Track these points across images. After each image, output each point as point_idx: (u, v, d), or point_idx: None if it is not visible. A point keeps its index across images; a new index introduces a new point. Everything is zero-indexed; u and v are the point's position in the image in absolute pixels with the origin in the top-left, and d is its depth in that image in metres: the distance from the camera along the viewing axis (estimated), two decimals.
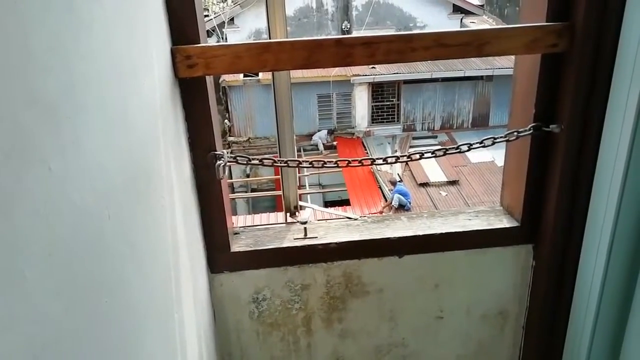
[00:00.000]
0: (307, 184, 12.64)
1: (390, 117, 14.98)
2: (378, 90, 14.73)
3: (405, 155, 1.52)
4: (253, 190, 14.41)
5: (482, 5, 16.86)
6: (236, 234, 1.63)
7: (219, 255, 1.53)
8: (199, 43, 1.25)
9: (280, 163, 1.52)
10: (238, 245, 1.57)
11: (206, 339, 1.47)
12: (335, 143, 14.51)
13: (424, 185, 12.00)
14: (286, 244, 1.57)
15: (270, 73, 1.54)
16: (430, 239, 1.58)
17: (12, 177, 0.55)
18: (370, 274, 1.60)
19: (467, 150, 1.47)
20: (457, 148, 1.49)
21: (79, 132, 0.72)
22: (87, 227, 0.73)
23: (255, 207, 14.12)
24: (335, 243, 1.56)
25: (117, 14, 0.89)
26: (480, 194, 11.52)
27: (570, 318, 1.52)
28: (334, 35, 14.63)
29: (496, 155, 12.21)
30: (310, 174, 12.51)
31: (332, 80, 14.14)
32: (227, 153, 1.43)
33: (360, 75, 14.11)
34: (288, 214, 1.83)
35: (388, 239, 1.57)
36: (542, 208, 1.52)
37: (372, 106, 14.83)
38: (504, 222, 1.62)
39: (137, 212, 0.94)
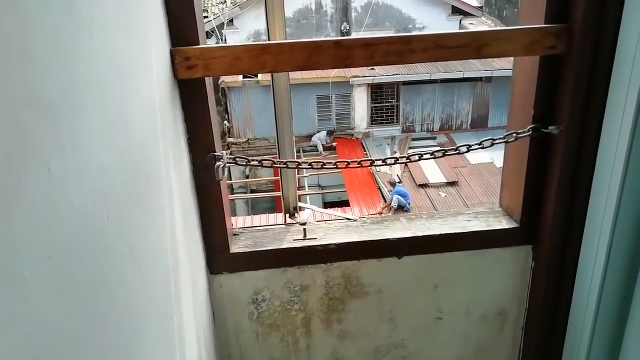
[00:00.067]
0: (306, 185, 12.64)
1: (389, 118, 14.98)
2: (377, 91, 14.73)
3: (405, 157, 1.53)
4: (252, 192, 14.40)
5: (482, 7, 16.89)
6: (236, 235, 1.63)
7: (219, 256, 1.53)
8: (199, 45, 1.26)
9: (280, 164, 1.52)
10: (238, 247, 1.57)
11: (206, 340, 1.47)
12: (334, 144, 14.52)
13: (424, 186, 12.00)
14: (286, 245, 1.57)
15: (270, 74, 1.55)
16: (429, 240, 1.58)
17: (11, 178, 0.55)
18: (370, 275, 1.61)
19: (467, 152, 1.48)
20: (457, 149, 1.49)
21: (78, 133, 0.72)
22: (87, 228, 0.73)
23: (254, 208, 14.12)
24: (335, 244, 1.56)
25: (116, 15, 0.89)
26: (480, 195, 11.53)
27: (570, 319, 1.52)
28: (333, 37, 14.65)
29: (495, 157, 12.21)
30: (310, 175, 12.50)
31: (331, 82, 14.14)
32: (227, 154, 1.43)
33: (360, 77, 14.12)
34: (287, 215, 1.83)
35: (387, 240, 1.57)
36: (541, 209, 1.53)
37: (372, 107, 14.83)
38: (504, 224, 1.62)
39: (136, 214, 0.94)
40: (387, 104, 14.86)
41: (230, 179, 13.44)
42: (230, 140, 14.64)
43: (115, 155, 0.86)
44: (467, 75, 14.29)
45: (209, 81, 1.35)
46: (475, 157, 12.50)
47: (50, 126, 0.64)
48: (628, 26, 1.19)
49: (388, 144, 14.58)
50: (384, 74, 14.11)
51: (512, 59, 1.51)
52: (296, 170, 1.64)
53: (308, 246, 1.56)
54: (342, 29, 15.56)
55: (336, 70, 12.55)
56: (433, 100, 14.90)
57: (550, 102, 1.39)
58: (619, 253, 1.31)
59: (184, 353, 1.22)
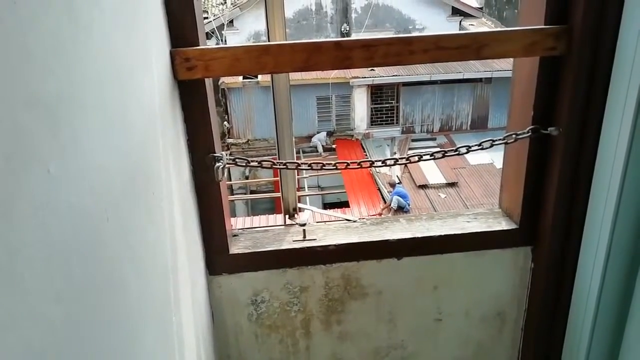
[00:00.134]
0: (306, 186, 12.63)
1: (389, 119, 14.98)
2: (377, 92, 14.73)
3: (404, 158, 1.53)
4: (252, 192, 14.39)
5: (481, 8, 16.90)
6: (235, 235, 1.63)
7: (218, 257, 1.53)
8: (198, 45, 1.26)
9: (279, 165, 1.52)
10: (237, 247, 1.57)
11: (204, 341, 1.47)
12: (334, 145, 14.52)
13: (423, 187, 12.00)
14: (285, 245, 1.57)
15: (270, 75, 1.55)
16: (429, 241, 1.58)
17: (11, 179, 0.55)
18: (369, 276, 1.61)
19: (466, 153, 1.48)
20: (456, 150, 1.49)
21: (78, 133, 0.72)
22: (86, 229, 0.73)
23: (254, 209, 14.11)
24: (334, 245, 1.56)
25: (116, 16, 0.89)
26: (479, 196, 11.53)
27: (569, 320, 1.52)
28: (333, 37, 14.65)
29: (495, 158, 12.22)
30: (309, 175, 12.50)
31: (331, 83, 14.14)
32: (226, 155, 1.43)
33: (360, 78, 14.12)
34: (287, 216, 1.83)
35: (387, 241, 1.57)
36: (540, 210, 1.53)
37: (371, 108, 14.83)
38: (503, 224, 1.62)
39: (135, 214, 0.94)
40: (387, 105, 14.86)
41: (230, 180, 13.43)
42: (230, 140, 14.63)
43: (114, 155, 0.86)
44: (466, 76, 14.29)
45: (208, 82, 1.35)
46: (475, 158, 12.51)
47: (49, 127, 0.64)
48: (627, 27, 1.19)
49: (388, 145, 14.58)
50: (384, 74, 14.11)
51: (511, 59, 1.51)
52: (295, 170, 1.64)
53: (307, 247, 1.56)
54: (342, 29, 15.56)
55: (336, 70, 12.54)
56: (433, 101, 14.90)
57: (550, 103, 1.39)
58: (618, 254, 1.31)
59: (183, 354, 1.21)
